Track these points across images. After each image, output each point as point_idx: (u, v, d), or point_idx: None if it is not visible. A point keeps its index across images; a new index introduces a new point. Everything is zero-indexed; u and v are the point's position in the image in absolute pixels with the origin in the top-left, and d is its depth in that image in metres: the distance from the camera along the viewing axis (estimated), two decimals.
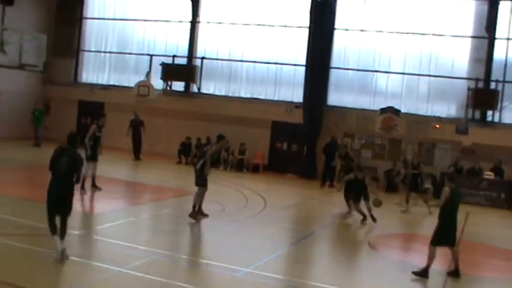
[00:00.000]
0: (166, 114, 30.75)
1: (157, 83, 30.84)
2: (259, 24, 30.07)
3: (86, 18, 34.18)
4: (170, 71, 30.97)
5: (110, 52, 33.54)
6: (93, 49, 34.04)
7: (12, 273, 9.80)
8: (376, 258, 14.04)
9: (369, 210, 17.56)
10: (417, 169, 21.33)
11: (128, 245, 12.40)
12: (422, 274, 11.80)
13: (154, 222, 16.02)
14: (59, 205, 10.65)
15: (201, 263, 12.12)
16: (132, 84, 31.02)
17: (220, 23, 30.92)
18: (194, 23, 31.22)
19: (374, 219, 17.42)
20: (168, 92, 31.24)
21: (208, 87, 31.24)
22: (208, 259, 12.24)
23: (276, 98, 29.69)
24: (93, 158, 18.32)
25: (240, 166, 28.43)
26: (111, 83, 33.31)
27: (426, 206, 19.64)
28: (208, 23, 31.21)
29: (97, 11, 34.07)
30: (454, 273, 12.16)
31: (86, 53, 34.24)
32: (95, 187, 18.48)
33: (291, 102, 29.04)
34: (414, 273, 11.85)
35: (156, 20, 32.20)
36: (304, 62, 28.55)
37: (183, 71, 31.07)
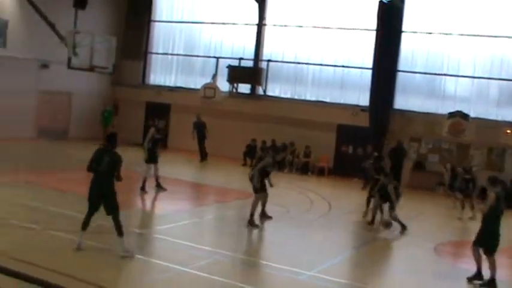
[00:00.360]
0: (232, 116, 30.92)
1: (224, 85, 31.01)
2: (325, 27, 29.82)
3: (154, 21, 34.65)
4: (236, 74, 31.14)
5: (177, 54, 33.95)
6: (160, 51, 34.50)
7: (79, 268, 10.07)
8: (440, 265, 13.74)
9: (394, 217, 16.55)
10: (469, 174, 20.66)
11: (192, 245, 12.54)
12: (490, 285, 11.50)
13: (218, 224, 16.17)
14: (99, 204, 11.03)
15: (264, 265, 12.14)
16: (198, 86, 31.24)
17: (286, 25, 30.88)
18: (260, 25, 31.28)
19: (398, 227, 16.49)
20: (234, 94, 31.39)
21: (274, 89, 31.24)
22: (271, 261, 12.25)
23: (341, 101, 29.38)
24: (153, 160, 18.59)
25: (305, 169, 28.32)
26: (178, 85, 33.71)
27: (471, 210, 19.32)
28: (274, 25, 31.21)
29: (165, 14, 34.53)
30: (475, 277, 11.80)
31: (153, 56, 34.75)
32: (159, 187, 18.79)
33: (357, 106, 28.72)
34: (481, 285, 11.57)
35: (223, 23, 32.42)
36: (370, 65, 28.21)
37: (249, 73, 31.19)
